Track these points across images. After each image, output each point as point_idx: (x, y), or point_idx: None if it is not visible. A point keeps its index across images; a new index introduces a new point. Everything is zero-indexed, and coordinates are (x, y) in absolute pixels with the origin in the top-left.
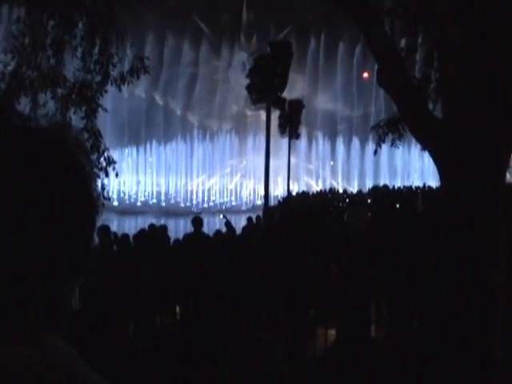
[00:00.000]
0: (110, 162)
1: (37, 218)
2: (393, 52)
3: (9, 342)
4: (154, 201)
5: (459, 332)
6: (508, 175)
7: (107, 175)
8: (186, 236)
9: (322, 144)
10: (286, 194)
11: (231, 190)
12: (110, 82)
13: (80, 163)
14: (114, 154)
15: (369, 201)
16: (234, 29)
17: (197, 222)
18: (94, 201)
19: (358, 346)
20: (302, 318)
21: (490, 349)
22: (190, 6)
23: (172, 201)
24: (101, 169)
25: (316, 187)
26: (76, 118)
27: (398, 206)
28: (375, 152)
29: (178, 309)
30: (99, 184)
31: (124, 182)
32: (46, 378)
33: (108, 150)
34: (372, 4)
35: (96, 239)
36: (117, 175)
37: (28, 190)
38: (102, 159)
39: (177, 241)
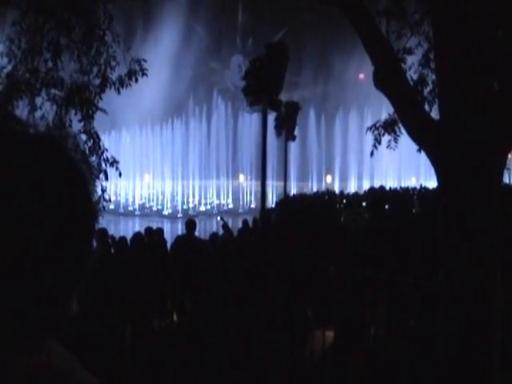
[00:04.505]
0: (112, 162)
1: (36, 224)
2: (389, 53)
3: (5, 347)
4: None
5: (457, 332)
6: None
7: (107, 178)
8: (178, 238)
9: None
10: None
11: (228, 193)
12: (108, 85)
13: (78, 169)
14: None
15: (364, 203)
16: (229, 31)
17: (190, 224)
18: (92, 206)
19: (356, 347)
20: (300, 320)
21: (489, 348)
22: (186, 8)
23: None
24: (100, 171)
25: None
26: (75, 121)
27: (394, 206)
28: (371, 153)
29: (175, 312)
30: (99, 187)
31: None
32: None
33: (107, 150)
34: (367, 5)
35: (94, 242)
36: (120, 175)
37: (27, 197)
38: (101, 161)
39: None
